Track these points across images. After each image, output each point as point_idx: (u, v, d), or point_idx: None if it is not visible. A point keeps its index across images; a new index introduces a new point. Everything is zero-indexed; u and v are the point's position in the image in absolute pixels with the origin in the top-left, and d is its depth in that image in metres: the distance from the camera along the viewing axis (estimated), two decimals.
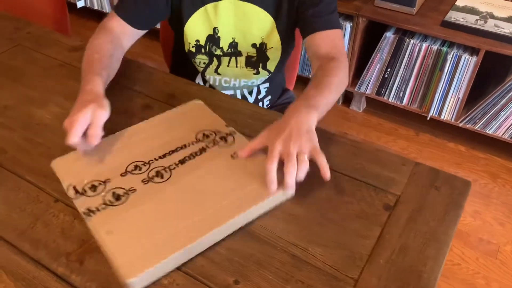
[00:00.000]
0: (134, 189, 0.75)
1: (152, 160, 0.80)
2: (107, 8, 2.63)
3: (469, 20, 1.76)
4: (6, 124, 0.92)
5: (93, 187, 0.75)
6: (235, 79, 1.17)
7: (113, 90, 1.01)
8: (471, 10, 1.82)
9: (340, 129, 2.10)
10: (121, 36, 1.00)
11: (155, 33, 1.42)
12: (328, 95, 0.86)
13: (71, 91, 1.00)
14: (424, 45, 1.83)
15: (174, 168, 0.78)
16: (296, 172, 0.71)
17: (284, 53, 1.14)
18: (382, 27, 1.91)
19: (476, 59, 1.73)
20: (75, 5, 2.63)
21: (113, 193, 0.74)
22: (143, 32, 1.04)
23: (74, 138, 0.76)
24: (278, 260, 0.68)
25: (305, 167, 0.72)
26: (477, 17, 1.77)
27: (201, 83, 1.20)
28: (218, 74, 1.16)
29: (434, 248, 0.70)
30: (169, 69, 1.39)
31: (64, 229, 0.72)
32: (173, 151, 0.81)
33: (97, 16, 2.74)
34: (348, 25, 1.94)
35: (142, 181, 0.76)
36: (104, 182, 0.76)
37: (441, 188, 0.80)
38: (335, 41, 1.00)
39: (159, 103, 0.98)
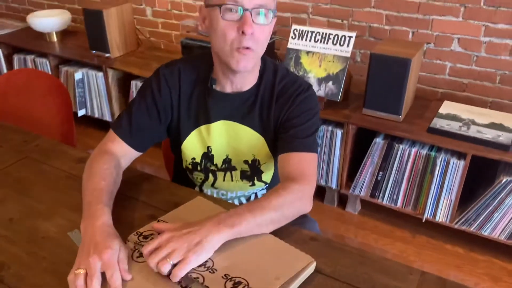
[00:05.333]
0: None
1: None
2: (107, 117, 2.75)
3: (453, 126, 1.87)
4: (10, 238, 0.92)
5: None
6: (232, 192, 1.20)
7: (118, 201, 1.03)
8: (454, 117, 1.94)
9: (337, 231, 2.10)
10: (122, 158, 1.06)
11: None
12: (260, 216, 0.86)
13: (77, 203, 1.02)
14: (413, 150, 1.91)
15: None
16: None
17: (276, 165, 1.16)
18: (372, 132, 2.02)
19: (464, 163, 1.81)
20: (76, 113, 2.75)
21: None
22: (141, 153, 1.10)
23: None
24: None
25: (164, 269, 0.76)
26: (461, 124, 1.89)
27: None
28: (215, 188, 1.19)
29: None
30: (170, 177, 1.42)
31: None
32: None
33: (98, 124, 2.85)
34: (339, 132, 2.04)
35: None
36: None
37: None
38: (302, 164, 1.01)
39: (164, 213, 0.99)
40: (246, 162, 1.15)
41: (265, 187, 1.22)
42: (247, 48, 0.97)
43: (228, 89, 1.08)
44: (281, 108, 1.08)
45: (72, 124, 1.59)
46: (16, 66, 2.95)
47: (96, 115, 2.80)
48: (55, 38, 2.91)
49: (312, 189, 0.99)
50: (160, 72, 1.10)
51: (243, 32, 0.94)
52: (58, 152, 1.24)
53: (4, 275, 0.83)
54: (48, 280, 0.81)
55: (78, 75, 2.69)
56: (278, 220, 0.90)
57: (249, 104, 1.10)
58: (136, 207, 1.01)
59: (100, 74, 2.64)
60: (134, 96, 1.12)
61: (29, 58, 2.87)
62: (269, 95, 1.09)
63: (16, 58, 2.93)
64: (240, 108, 1.10)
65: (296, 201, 0.94)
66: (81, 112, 2.79)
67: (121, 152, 1.05)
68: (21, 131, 1.34)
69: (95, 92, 2.73)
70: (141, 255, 0.83)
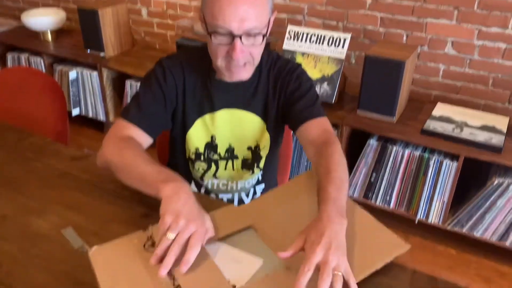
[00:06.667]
0: None
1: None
2: (101, 116, 2.74)
3: (446, 128, 1.89)
4: (2, 235, 0.92)
5: None
6: (232, 181, 1.22)
7: (112, 199, 1.03)
8: (448, 119, 1.96)
9: None
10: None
11: None
12: (345, 191, 0.90)
13: (71, 201, 1.02)
14: (407, 151, 1.93)
15: None
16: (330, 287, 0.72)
17: (272, 150, 1.21)
18: (366, 134, 2.03)
19: (457, 164, 1.82)
20: (70, 113, 2.74)
21: None
22: (151, 141, 1.09)
23: (164, 271, 0.75)
24: None
25: (340, 284, 0.73)
26: (454, 126, 1.90)
27: (195, 189, 1.24)
28: (216, 178, 1.20)
29: None
30: None
31: None
32: None
33: (92, 124, 2.84)
34: None
35: None
36: None
37: None
38: (324, 126, 1.08)
39: (158, 213, 0.99)
40: (249, 148, 1.18)
41: (260, 174, 1.24)
42: (242, 64, 1.00)
43: (229, 79, 1.09)
44: (281, 88, 1.12)
45: (66, 122, 1.59)
46: (10, 65, 2.94)
47: (90, 115, 2.79)
48: (49, 37, 2.90)
49: (339, 142, 1.04)
50: (163, 62, 1.10)
51: (232, 57, 0.97)
52: (52, 150, 1.24)
53: None
54: (41, 278, 0.81)
55: (72, 74, 2.68)
56: (347, 178, 0.94)
57: (251, 91, 1.13)
58: (130, 205, 1.01)
59: (95, 73, 2.63)
60: (138, 89, 1.12)
61: (23, 56, 2.86)
62: (268, 79, 1.13)
63: (10, 56, 2.91)
64: (242, 95, 1.13)
65: (343, 158, 0.98)
66: (75, 112, 2.78)
67: (136, 137, 1.04)
68: (15, 129, 1.34)
69: (89, 91, 2.72)
70: (152, 245, 0.83)
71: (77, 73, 2.69)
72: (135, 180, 0.92)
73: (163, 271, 0.75)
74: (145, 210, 1.00)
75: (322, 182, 0.90)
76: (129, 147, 0.98)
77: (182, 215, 0.79)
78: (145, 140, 1.06)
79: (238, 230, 0.90)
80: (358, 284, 0.80)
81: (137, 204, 1.02)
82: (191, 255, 0.76)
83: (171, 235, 0.77)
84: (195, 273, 0.78)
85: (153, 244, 0.84)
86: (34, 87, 1.62)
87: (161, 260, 0.77)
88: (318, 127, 1.08)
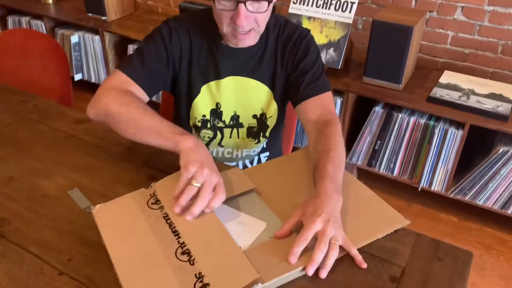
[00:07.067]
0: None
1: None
2: None
3: (453, 96, 1.87)
4: (10, 195, 0.93)
5: None
6: (237, 150, 1.21)
7: (118, 162, 1.03)
8: (454, 87, 1.93)
9: None
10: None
11: None
12: (343, 171, 0.91)
13: (76, 163, 1.03)
14: (412, 119, 1.91)
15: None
16: (327, 256, 0.75)
17: (279, 119, 1.20)
18: (371, 101, 2.01)
19: (462, 133, 1.81)
20: (73, 78, 2.71)
21: None
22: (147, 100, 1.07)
23: (190, 217, 0.80)
24: None
25: (336, 253, 0.76)
26: (460, 94, 1.88)
27: None
28: (221, 146, 1.20)
29: None
30: None
31: None
32: None
33: (95, 89, 2.81)
34: (338, 100, 2.03)
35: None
36: None
37: (444, 259, 0.81)
38: (325, 105, 1.06)
39: (165, 175, 0.99)
40: (254, 116, 1.16)
41: (266, 145, 1.24)
42: (247, 30, 0.98)
43: (235, 45, 1.07)
44: (288, 56, 1.10)
45: (69, 86, 1.58)
46: (10, 28, 2.90)
47: (93, 80, 2.77)
48: (50, 0, 2.84)
49: (340, 123, 1.04)
50: (170, 23, 1.07)
51: (236, 23, 0.94)
52: (56, 113, 1.23)
53: (5, 230, 0.84)
54: (49, 235, 0.82)
55: (74, 38, 2.64)
56: (344, 160, 0.94)
57: (258, 57, 1.10)
58: (136, 167, 1.01)
59: (97, 37, 2.59)
60: (141, 44, 1.08)
61: (24, 20, 2.81)
62: (275, 46, 1.10)
63: (10, 19, 2.87)
64: (249, 62, 1.10)
65: (342, 139, 0.98)
66: (77, 77, 2.76)
67: (135, 93, 1.01)
68: (18, 91, 1.33)
69: (91, 56, 2.69)
70: (156, 202, 0.84)
71: (79, 37, 2.65)
72: (145, 133, 0.91)
73: (189, 217, 0.80)
74: (151, 172, 1.00)
75: (321, 160, 0.91)
76: (135, 101, 0.96)
77: (206, 165, 0.82)
78: (142, 98, 1.03)
79: (241, 193, 0.90)
80: (361, 248, 0.81)
81: (142, 166, 1.02)
82: (217, 202, 0.80)
83: (196, 183, 0.80)
84: (200, 231, 0.79)
85: (157, 201, 0.85)
86: (36, 49, 1.60)
87: (183, 209, 0.81)
88: (318, 105, 1.06)
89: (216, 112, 1.15)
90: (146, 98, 1.05)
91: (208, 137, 1.18)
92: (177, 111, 1.21)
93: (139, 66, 1.03)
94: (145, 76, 1.03)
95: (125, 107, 0.94)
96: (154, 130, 0.90)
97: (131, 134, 0.94)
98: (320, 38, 2.02)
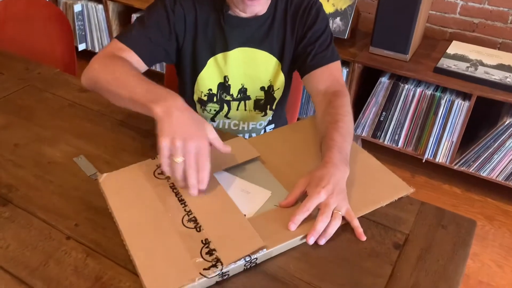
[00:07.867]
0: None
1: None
2: None
3: (460, 67, 1.84)
4: (17, 162, 0.93)
5: None
6: (244, 122, 1.21)
7: (122, 130, 1.04)
8: (462, 58, 1.90)
9: None
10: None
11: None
12: (350, 142, 0.91)
13: (82, 130, 1.03)
14: (418, 90, 1.89)
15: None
16: (328, 225, 0.76)
17: (285, 91, 1.19)
18: (377, 72, 1.99)
19: (469, 104, 1.80)
20: (77, 48, 2.69)
21: None
22: (146, 69, 1.04)
23: (195, 191, 0.79)
24: None
25: (338, 223, 0.77)
26: (468, 64, 1.85)
27: None
28: (228, 118, 1.19)
29: (445, 286, 0.71)
30: None
31: (77, 267, 0.72)
32: None
33: None
34: (344, 71, 2.01)
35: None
36: None
37: (448, 227, 0.81)
38: (333, 74, 1.05)
39: None
40: (262, 88, 1.15)
41: (272, 117, 1.23)
42: None
43: (244, 14, 1.05)
44: (298, 24, 1.08)
45: (73, 54, 1.56)
46: None
47: (97, 50, 2.74)
48: None
49: (348, 93, 1.03)
50: None
51: None
52: (61, 81, 1.23)
53: (12, 196, 0.85)
54: (56, 201, 0.83)
55: (77, 7, 2.60)
56: (353, 132, 0.94)
57: (266, 27, 1.08)
58: (141, 135, 1.02)
59: (100, 6, 2.56)
60: (143, 13, 1.05)
61: None
62: (285, 15, 1.08)
63: None
64: (257, 33, 1.08)
65: (351, 109, 0.99)
66: (81, 47, 2.74)
67: (131, 61, 0.98)
68: (23, 59, 1.32)
69: (95, 25, 2.66)
70: (162, 172, 0.82)
71: (82, 6, 2.62)
72: (125, 101, 0.86)
73: (194, 191, 0.79)
74: (155, 141, 1.00)
75: (329, 130, 0.90)
76: (117, 64, 0.91)
77: (177, 136, 0.75)
78: (139, 67, 1.00)
79: (246, 161, 0.90)
80: (363, 216, 0.81)
81: (147, 134, 1.02)
82: (204, 176, 0.78)
83: (178, 159, 0.76)
84: (206, 200, 0.80)
85: (163, 172, 0.85)
86: (39, 17, 1.58)
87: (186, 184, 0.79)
88: (326, 76, 1.04)
89: (224, 86, 1.13)
90: (143, 66, 1.01)
91: (215, 110, 1.17)
92: (181, 85, 1.19)
93: (137, 34, 1.00)
94: (144, 44, 1.00)
95: (107, 74, 0.90)
96: (130, 99, 0.84)
97: (118, 103, 0.91)
98: (327, 7, 1.98)
